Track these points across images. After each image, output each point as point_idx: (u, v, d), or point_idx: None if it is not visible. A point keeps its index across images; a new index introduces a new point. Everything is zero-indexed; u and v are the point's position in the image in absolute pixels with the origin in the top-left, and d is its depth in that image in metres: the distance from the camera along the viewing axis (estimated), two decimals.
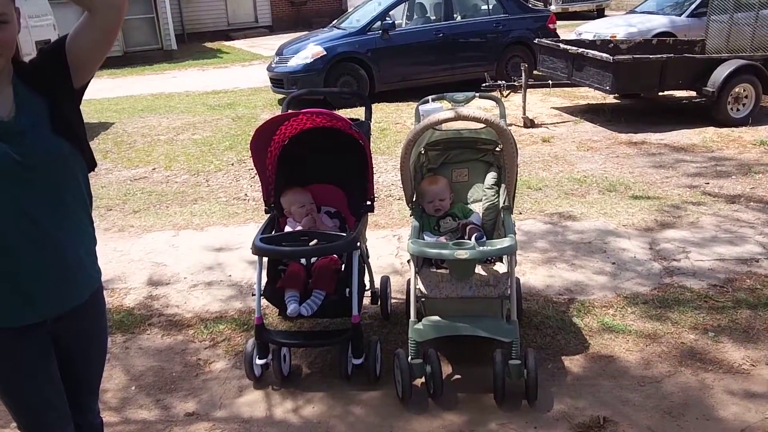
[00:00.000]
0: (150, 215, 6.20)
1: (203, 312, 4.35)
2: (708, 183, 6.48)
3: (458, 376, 3.56)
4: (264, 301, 3.56)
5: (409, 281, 3.59)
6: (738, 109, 8.74)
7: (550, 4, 22.56)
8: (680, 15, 13.15)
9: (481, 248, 3.14)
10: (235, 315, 4.29)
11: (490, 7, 11.98)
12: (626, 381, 3.47)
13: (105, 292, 4.52)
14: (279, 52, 11.64)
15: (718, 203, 5.91)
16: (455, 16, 11.70)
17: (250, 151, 3.65)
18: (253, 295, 3.50)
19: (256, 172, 3.83)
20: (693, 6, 13.02)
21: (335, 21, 12.77)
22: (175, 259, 5.18)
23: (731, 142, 7.92)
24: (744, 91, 8.68)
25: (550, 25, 12.06)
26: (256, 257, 3.40)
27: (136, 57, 17.95)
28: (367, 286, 3.94)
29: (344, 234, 3.48)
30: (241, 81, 13.89)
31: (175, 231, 5.78)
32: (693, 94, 9.41)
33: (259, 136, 3.52)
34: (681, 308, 4.13)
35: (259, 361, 3.46)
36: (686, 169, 6.97)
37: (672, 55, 8.83)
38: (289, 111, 3.64)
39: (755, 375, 3.47)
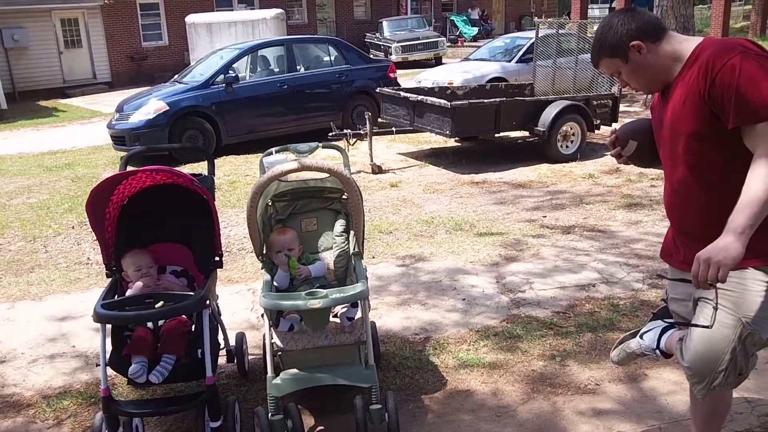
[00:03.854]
0: None
1: (45, 388, 4.02)
2: (545, 216, 6.91)
3: (321, 428, 3.52)
4: (112, 371, 3.35)
5: (265, 336, 3.52)
6: (567, 146, 9.44)
7: (391, 54, 23.44)
8: (510, 61, 14.10)
9: (333, 296, 3.15)
10: (81, 388, 4.00)
11: (332, 58, 12.28)
12: (484, 413, 3.57)
13: None
14: (119, 109, 11.26)
15: (555, 234, 6.31)
16: (298, 67, 11.89)
17: (86, 213, 3.47)
18: (98, 365, 3.29)
19: (93, 234, 3.65)
20: (521, 53, 14.03)
21: (177, 75, 12.56)
22: (11, 334, 4.77)
23: (563, 177, 8.52)
24: (571, 129, 9.41)
25: (391, 75, 12.53)
26: (99, 325, 3.21)
27: None
28: (222, 345, 3.82)
29: (192, 293, 3.37)
30: (81, 140, 13.26)
31: (9, 303, 5.34)
32: (526, 134, 10.06)
33: (96, 197, 3.36)
34: (529, 337, 4.33)
35: None
36: (525, 204, 7.41)
37: (504, 98, 9.43)
38: (128, 169, 3.51)
39: (600, 393, 3.69)
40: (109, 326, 3.31)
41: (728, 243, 2.17)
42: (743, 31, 28.34)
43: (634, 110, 13.24)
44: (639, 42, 2.40)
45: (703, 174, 2.41)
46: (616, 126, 2.82)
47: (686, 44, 2.41)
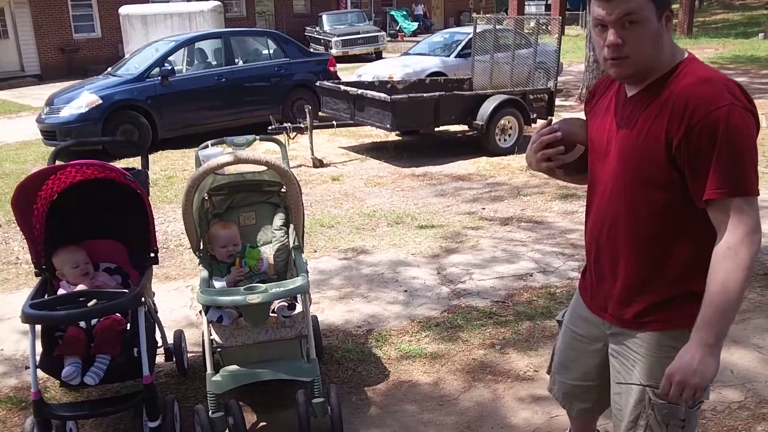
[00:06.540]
0: None
1: None
2: (484, 208, 6.98)
3: (263, 423, 3.48)
4: (43, 374, 3.24)
5: (204, 333, 3.46)
6: (505, 140, 9.58)
7: (331, 48, 23.33)
8: (449, 56, 14.19)
9: (272, 290, 3.12)
10: (9, 393, 3.85)
11: (271, 51, 12.14)
12: (427, 403, 3.59)
13: None
14: (49, 102, 10.88)
15: (494, 226, 6.39)
16: (237, 60, 11.71)
17: (12, 210, 3.34)
18: (28, 368, 3.17)
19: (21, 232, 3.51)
20: (459, 47, 14.13)
21: (111, 68, 12.21)
22: None
23: (502, 170, 8.63)
24: (509, 122, 9.54)
25: (331, 68, 12.44)
26: (27, 326, 3.09)
27: None
28: (160, 343, 3.74)
29: (126, 291, 3.28)
30: (8, 135, 12.76)
31: None
32: (465, 127, 10.15)
33: (21, 193, 3.22)
34: (469, 326, 4.38)
35: None
36: (465, 196, 7.48)
37: (444, 93, 9.48)
38: (56, 164, 3.38)
39: (538, 379, 3.75)
40: (39, 327, 3.19)
41: (702, 360, 1.83)
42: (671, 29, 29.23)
43: (569, 104, 13.50)
44: (670, 12, 1.88)
45: (637, 222, 2.00)
46: (551, 118, 2.25)
47: (678, 49, 1.98)
